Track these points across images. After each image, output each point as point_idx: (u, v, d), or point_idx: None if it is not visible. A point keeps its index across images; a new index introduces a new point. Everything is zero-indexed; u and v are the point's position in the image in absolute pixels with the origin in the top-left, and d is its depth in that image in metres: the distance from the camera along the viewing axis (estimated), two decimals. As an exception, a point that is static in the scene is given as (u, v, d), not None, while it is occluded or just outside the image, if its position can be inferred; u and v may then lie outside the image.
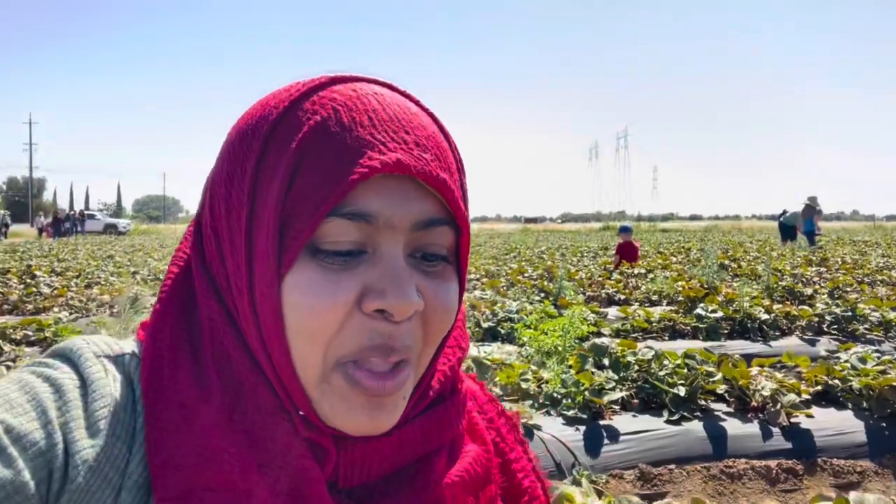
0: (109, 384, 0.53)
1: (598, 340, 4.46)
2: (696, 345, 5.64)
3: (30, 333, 5.53)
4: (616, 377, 3.99)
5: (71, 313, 7.05)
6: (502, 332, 5.92)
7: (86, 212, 57.63)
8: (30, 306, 7.47)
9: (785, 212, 19.76)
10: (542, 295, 8.13)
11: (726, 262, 13.25)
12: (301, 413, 0.54)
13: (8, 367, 4.22)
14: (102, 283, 9.59)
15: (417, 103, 0.58)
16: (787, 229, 19.14)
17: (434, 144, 0.55)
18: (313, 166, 0.50)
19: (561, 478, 3.30)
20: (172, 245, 23.51)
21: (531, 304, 7.38)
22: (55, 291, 8.33)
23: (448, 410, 0.62)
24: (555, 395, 3.81)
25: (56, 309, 7.34)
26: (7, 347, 5.24)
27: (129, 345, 0.58)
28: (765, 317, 6.21)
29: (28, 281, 9.73)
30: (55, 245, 24.30)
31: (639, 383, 3.99)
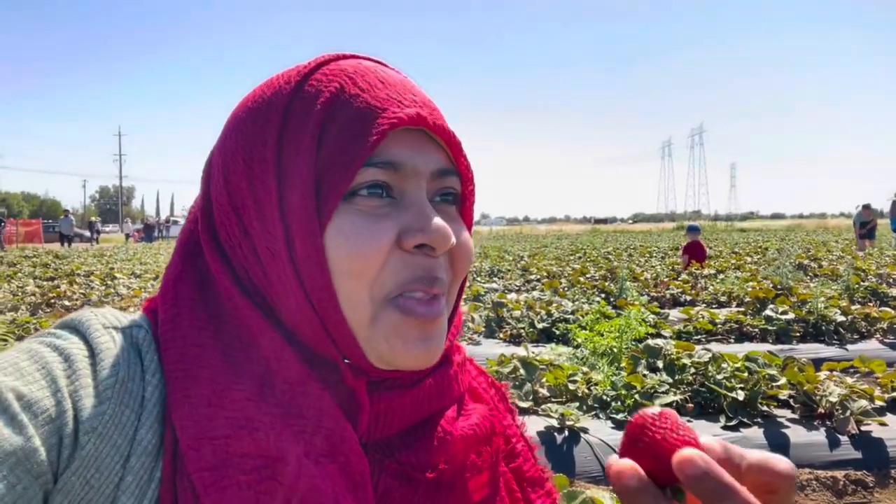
0: (118, 353, 0.54)
1: (653, 342, 4.29)
2: (764, 348, 5.36)
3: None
4: (670, 380, 3.83)
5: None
6: (557, 332, 5.81)
7: (171, 217, 60.70)
8: (108, 306, 7.90)
9: (859, 207, 18.74)
10: (603, 296, 7.93)
11: (806, 261, 12.56)
12: (347, 361, 0.56)
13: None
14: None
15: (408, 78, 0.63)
16: (862, 226, 18.17)
17: (434, 105, 0.60)
18: (341, 124, 0.54)
19: (608, 484, 3.19)
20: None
21: (591, 304, 7.22)
22: (132, 293, 8.79)
23: (455, 368, 0.65)
24: (604, 397, 3.70)
25: (132, 309, 7.74)
26: (83, 345, 5.58)
27: (137, 317, 0.59)
28: (841, 319, 5.84)
29: (108, 283, 10.31)
30: (139, 249, 25.68)
31: (695, 387, 3.82)
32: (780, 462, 0.44)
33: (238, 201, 0.57)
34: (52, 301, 8.21)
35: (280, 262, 0.55)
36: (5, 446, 0.45)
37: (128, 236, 44.73)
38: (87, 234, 42.68)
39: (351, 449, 0.54)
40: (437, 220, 0.55)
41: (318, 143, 0.55)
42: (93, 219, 45.82)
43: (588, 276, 10.29)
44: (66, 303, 8.15)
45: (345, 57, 0.61)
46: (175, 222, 54.11)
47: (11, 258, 18.33)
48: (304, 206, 0.54)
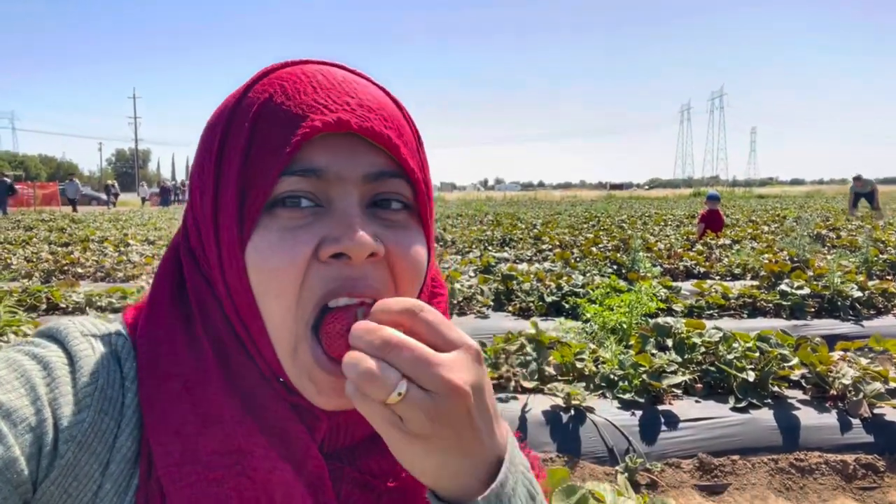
0: (97, 361, 0.55)
1: (663, 319, 4.22)
2: (778, 324, 5.28)
3: (114, 301, 5.88)
4: (679, 359, 3.77)
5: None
6: (566, 306, 5.75)
7: (186, 182, 60.83)
8: (120, 274, 7.95)
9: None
10: (615, 268, 7.84)
11: (824, 231, 12.34)
12: (281, 380, 0.57)
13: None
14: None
15: (369, 80, 0.62)
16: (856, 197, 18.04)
17: (379, 107, 0.58)
18: (264, 136, 0.54)
19: (613, 464, 3.17)
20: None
21: (602, 276, 7.14)
22: (144, 260, 8.83)
23: None
24: (611, 376, 3.65)
25: (144, 277, 7.78)
26: (93, 314, 5.61)
27: (116, 326, 0.60)
28: (857, 294, 5.72)
29: (122, 249, 10.38)
30: (155, 213, 25.82)
31: (704, 366, 3.76)
32: (401, 303, 0.49)
33: (196, 211, 0.59)
34: (66, 268, 8.27)
35: (217, 274, 0.56)
36: None
37: (144, 200, 44.94)
38: (104, 197, 42.97)
39: (308, 454, 0.55)
40: (353, 228, 0.53)
41: (245, 156, 0.55)
42: (109, 182, 45.98)
43: (601, 246, 10.18)
44: (80, 270, 8.21)
45: (293, 63, 0.60)
46: (190, 186, 54.19)
47: (28, 221, 18.51)
48: (229, 220, 0.54)
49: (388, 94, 0.62)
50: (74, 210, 29.30)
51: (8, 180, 27.07)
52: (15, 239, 12.29)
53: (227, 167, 0.55)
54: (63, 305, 5.85)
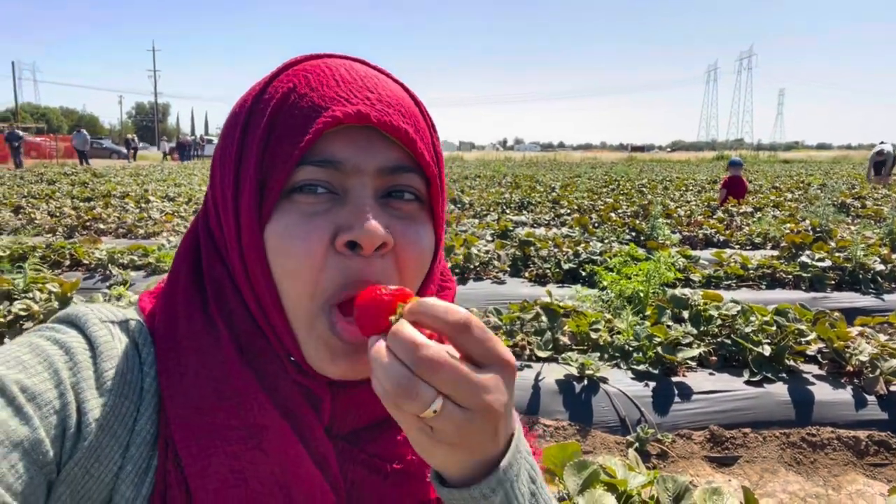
0: (116, 346, 0.56)
1: (680, 291, 4.21)
2: (797, 296, 5.23)
3: (136, 258, 5.96)
4: (695, 332, 3.77)
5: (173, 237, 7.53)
6: (584, 273, 5.74)
7: (205, 136, 60.89)
8: (141, 231, 8.05)
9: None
10: (633, 234, 7.79)
11: (849, 200, 12.10)
12: (292, 359, 0.59)
13: (119, 293, 4.57)
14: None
15: (389, 75, 0.63)
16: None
17: (397, 102, 0.59)
18: (285, 123, 0.56)
19: (625, 433, 3.20)
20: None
21: (622, 243, 7.10)
22: (164, 217, 8.92)
23: None
24: (626, 347, 3.66)
25: (164, 234, 7.88)
26: (115, 271, 5.70)
27: (132, 312, 0.62)
28: (880, 267, 5.64)
29: (143, 206, 10.48)
30: (174, 169, 25.94)
31: (720, 339, 3.76)
32: (453, 314, 0.48)
33: (216, 195, 0.61)
34: (88, 224, 8.39)
35: (236, 256, 0.58)
36: (13, 437, 0.46)
37: (165, 154, 45.06)
38: (124, 150, 43.19)
39: (314, 434, 0.57)
40: (366, 218, 0.55)
41: (265, 143, 0.56)
42: (129, 136, 46.17)
43: (619, 211, 10.10)
44: (101, 226, 8.31)
45: (317, 57, 0.62)
46: (209, 141, 54.29)
47: (51, 175, 18.71)
48: (249, 203, 0.56)
49: (406, 90, 0.64)
50: (82, 162, 29.21)
51: (20, 132, 27.20)
52: (38, 193, 12.46)
53: (248, 152, 0.57)
54: (86, 262, 5.94)
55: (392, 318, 0.50)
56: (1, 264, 5.44)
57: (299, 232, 0.55)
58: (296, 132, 0.55)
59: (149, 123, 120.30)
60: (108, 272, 5.73)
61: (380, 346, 0.48)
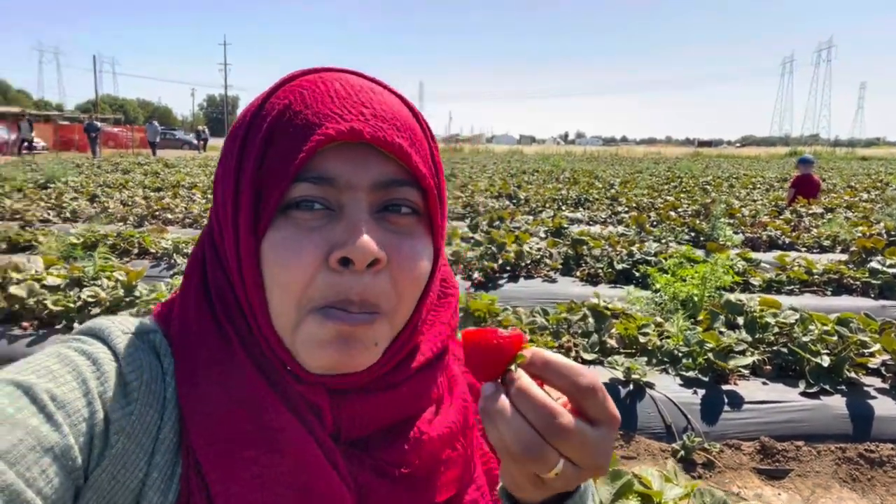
0: (140, 357, 0.58)
1: (736, 296, 4.08)
2: (864, 303, 4.99)
3: (199, 249, 6.20)
4: (749, 339, 3.65)
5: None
6: (637, 274, 5.63)
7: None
8: (205, 221, 8.34)
9: None
10: (693, 235, 7.57)
11: (930, 202, 11.40)
12: (288, 368, 0.60)
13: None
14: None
15: (386, 87, 0.64)
16: None
17: (392, 116, 0.60)
18: (281, 140, 0.57)
19: (670, 441, 3.14)
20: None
21: (680, 243, 6.92)
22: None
23: (436, 373, 0.67)
24: (675, 352, 3.58)
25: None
26: (179, 260, 5.96)
27: (151, 323, 0.64)
28: (959, 276, 5.30)
29: (209, 197, 10.87)
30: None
31: (776, 348, 3.63)
32: (583, 377, 0.51)
33: (218, 209, 0.62)
34: (157, 213, 8.77)
35: (234, 267, 0.60)
36: (44, 443, 0.49)
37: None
38: (195, 141, 44.83)
39: (320, 438, 0.58)
40: (359, 234, 0.56)
41: (261, 159, 0.58)
42: (200, 127, 47.92)
43: (680, 210, 9.83)
44: (169, 216, 8.68)
45: (314, 71, 0.63)
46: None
47: (126, 164, 19.62)
48: (246, 217, 0.57)
49: (404, 101, 0.65)
50: (154, 153, 30.61)
51: (98, 124, 28.65)
52: (113, 182, 13.10)
53: (245, 168, 0.58)
54: (153, 251, 6.22)
55: (511, 366, 0.51)
56: (75, 251, 5.76)
57: (294, 246, 0.56)
58: (291, 149, 0.56)
59: (219, 115, 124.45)
60: (172, 261, 5.99)
61: (503, 400, 0.51)
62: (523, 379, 0.51)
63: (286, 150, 0.57)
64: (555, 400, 0.51)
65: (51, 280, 4.34)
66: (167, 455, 0.56)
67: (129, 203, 9.68)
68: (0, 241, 6.47)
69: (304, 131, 0.57)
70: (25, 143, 27.06)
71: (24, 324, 4.07)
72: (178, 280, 4.65)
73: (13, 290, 4.16)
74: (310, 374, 0.59)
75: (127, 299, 4.16)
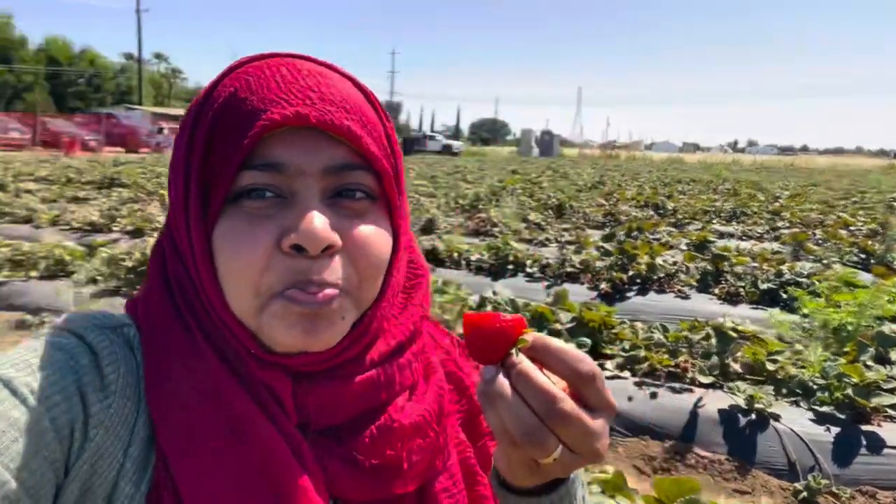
0: (115, 351, 0.59)
1: (890, 328, 3.62)
2: None
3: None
4: (902, 377, 3.22)
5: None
6: (784, 296, 5.16)
7: (428, 133, 64.76)
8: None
9: None
10: (862, 257, 6.78)
11: None
12: (252, 352, 0.60)
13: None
14: (413, 203, 10.83)
15: (337, 70, 0.64)
16: None
17: (341, 99, 0.59)
18: (226, 128, 0.57)
19: (792, 479, 2.87)
20: (491, 169, 25.09)
21: (845, 265, 6.23)
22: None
23: (408, 358, 0.66)
24: (810, 384, 3.26)
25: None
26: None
27: (125, 318, 0.64)
28: None
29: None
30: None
31: (935, 390, 3.17)
32: (584, 364, 0.51)
33: (171, 197, 0.63)
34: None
35: (188, 256, 0.60)
36: (27, 435, 0.50)
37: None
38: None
39: (283, 427, 0.58)
40: (310, 221, 0.55)
41: (207, 148, 0.58)
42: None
43: (852, 228, 8.83)
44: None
45: (261, 57, 0.62)
46: (431, 137, 57.64)
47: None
48: (196, 207, 0.58)
49: (356, 83, 0.64)
50: None
51: None
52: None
53: (193, 157, 0.59)
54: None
55: (513, 350, 0.51)
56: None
57: (246, 235, 0.56)
58: (236, 137, 0.56)
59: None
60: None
61: (503, 383, 0.50)
62: (525, 363, 0.50)
63: (231, 137, 0.56)
64: (555, 385, 0.50)
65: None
66: (141, 446, 0.57)
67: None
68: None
69: (249, 118, 0.56)
70: None
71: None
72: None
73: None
74: (274, 355, 0.59)
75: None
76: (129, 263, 5.00)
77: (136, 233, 7.45)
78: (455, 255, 6.47)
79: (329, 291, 0.57)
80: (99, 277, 5.10)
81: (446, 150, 51.79)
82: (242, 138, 0.55)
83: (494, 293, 4.33)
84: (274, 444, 0.56)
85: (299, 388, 0.60)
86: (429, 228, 8.30)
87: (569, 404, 0.49)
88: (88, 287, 5.05)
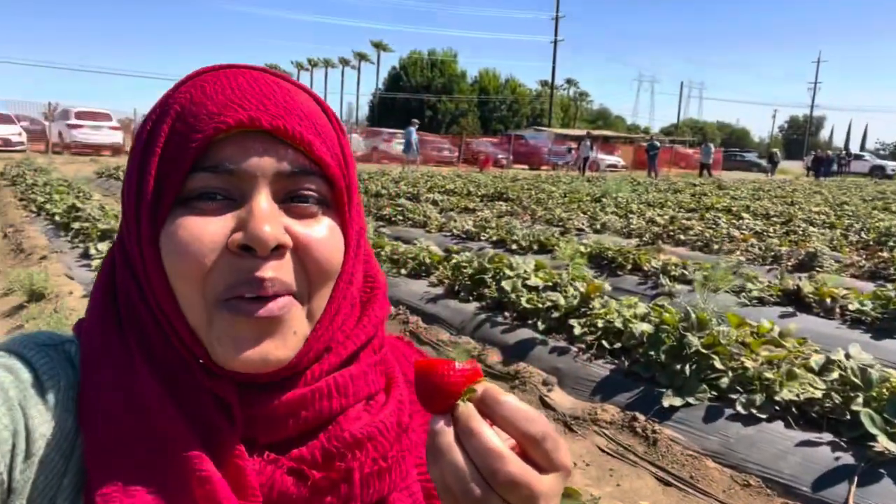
0: (55, 367, 0.60)
1: None
2: None
3: (686, 272, 6.09)
4: None
5: (745, 260, 7.29)
6: None
7: (852, 152, 55.25)
8: (716, 246, 8.07)
9: None
10: None
11: None
12: (201, 361, 0.59)
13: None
14: (799, 233, 9.33)
15: (293, 82, 0.64)
16: None
17: (296, 107, 0.60)
18: (180, 132, 0.58)
19: None
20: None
21: None
22: (741, 235, 8.66)
23: (363, 367, 0.65)
24: None
25: (738, 253, 7.70)
26: (664, 281, 5.97)
27: (69, 335, 0.66)
28: None
29: (735, 221, 10.44)
30: (801, 186, 24.56)
31: None
32: (533, 424, 0.48)
33: (124, 205, 0.63)
34: (672, 233, 8.94)
35: (138, 263, 0.60)
36: None
37: (808, 169, 43.11)
38: (765, 163, 43.44)
39: (224, 443, 0.57)
40: (259, 220, 0.55)
41: (161, 151, 0.58)
42: (773, 150, 46.21)
43: None
44: (682, 236, 8.73)
45: (221, 68, 0.63)
46: (859, 157, 48.87)
47: (681, 185, 20.49)
48: (147, 210, 0.58)
49: (314, 97, 0.64)
50: (703, 174, 30.92)
51: (657, 143, 30.70)
52: (653, 200, 13.96)
53: (145, 161, 0.59)
54: (645, 269, 6.42)
55: (460, 402, 0.50)
56: (576, 259, 6.45)
57: (192, 233, 0.56)
58: (188, 139, 0.57)
59: (799, 137, 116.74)
60: (658, 281, 6.06)
61: (448, 438, 0.49)
62: (473, 418, 0.48)
63: (184, 140, 0.57)
64: (505, 440, 0.48)
65: (533, 281, 5.00)
66: (80, 462, 0.56)
67: (651, 221, 10.16)
68: (534, 242, 7.76)
69: (202, 121, 0.57)
70: (586, 161, 30.86)
71: (506, 313, 4.83)
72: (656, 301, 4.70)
73: (504, 283, 4.98)
74: (223, 368, 0.58)
75: (581, 309, 4.46)
76: (468, 271, 5.46)
77: (500, 243, 8.12)
78: (827, 300, 5.32)
79: (280, 302, 0.56)
80: (446, 280, 5.70)
81: (877, 172, 43.46)
82: (194, 141, 0.56)
83: (848, 356, 3.39)
84: (197, 460, 0.54)
85: (246, 400, 0.59)
86: (808, 264, 7.01)
87: (514, 466, 0.47)
88: (437, 288, 5.70)
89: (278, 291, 0.56)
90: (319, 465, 0.59)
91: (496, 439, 0.47)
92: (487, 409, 0.49)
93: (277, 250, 0.56)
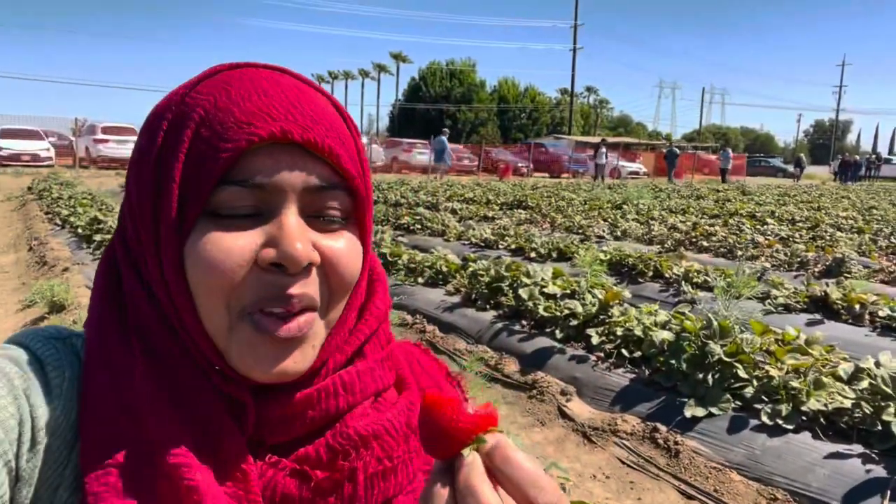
0: (60, 358, 0.60)
1: None
2: None
3: (709, 279, 5.95)
4: None
5: (770, 266, 7.12)
6: None
7: (884, 155, 54.16)
8: (740, 252, 7.90)
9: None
10: None
11: None
12: (217, 368, 0.59)
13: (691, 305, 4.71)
14: (826, 238, 9.11)
15: (312, 85, 0.63)
16: None
17: (322, 116, 0.59)
18: (206, 138, 0.56)
19: None
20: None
21: None
22: (766, 241, 8.47)
23: (369, 364, 0.65)
24: None
25: (763, 258, 7.54)
26: (686, 288, 5.84)
27: (77, 330, 0.66)
28: None
29: (760, 227, 10.23)
30: (831, 190, 24.10)
31: None
32: (542, 494, 0.44)
33: (132, 207, 0.61)
34: (695, 239, 8.78)
35: (155, 269, 0.59)
36: None
37: (835, 175, 42.38)
38: (790, 169, 42.82)
39: (232, 446, 0.57)
40: (292, 239, 0.55)
41: (185, 155, 0.56)
42: (799, 154, 45.54)
43: None
44: (705, 243, 8.57)
45: (238, 67, 0.61)
46: (889, 161, 47.84)
47: (704, 191, 20.24)
48: (168, 218, 0.56)
49: (331, 100, 0.63)
50: (724, 179, 30.74)
51: (677, 150, 30.49)
52: (675, 206, 13.76)
53: (167, 166, 0.57)
54: (667, 276, 6.29)
55: (465, 451, 0.46)
56: (595, 266, 6.34)
57: (222, 248, 0.55)
58: (217, 149, 0.55)
59: (825, 141, 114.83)
60: (680, 288, 5.93)
61: (445, 487, 0.46)
62: (475, 473, 0.45)
63: (212, 149, 0.55)
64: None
65: (550, 289, 4.92)
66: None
67: (674, 228, 9.99)
68: (553, 250, 7.67)
69: (231, 130, 0.55)
70: (599, 167, 30.60)
71: (523, 322, 4.75)
72: (677, 308, 4.60)
73: (521, 291, 4.91)
74: (236, 372, 0.58)
75: (600, 317, 4.37)
76: (485, 279, 5.39)
77: (518, 251, 8.04)
78: (856, 306, 5.16)
79: (302, 320, 0.57)
80: (463, 289, 5.64)
81: (907, 176, 42.54)
82: (223, 152, 0.55)
83: (878, 364, 3.26)
84: (186, 469, 0.54)
85: (257, 402, 0.59)
86: (835, 270, 6.82)
87: None
88: (454, 297, 5.64)
89: (305, 307, 0.57)
90: (323, 464, 0.59)
91: (497, 501, 0.44)
92: (493, 466, 0.46)
93: (307, 268, 0.56)
